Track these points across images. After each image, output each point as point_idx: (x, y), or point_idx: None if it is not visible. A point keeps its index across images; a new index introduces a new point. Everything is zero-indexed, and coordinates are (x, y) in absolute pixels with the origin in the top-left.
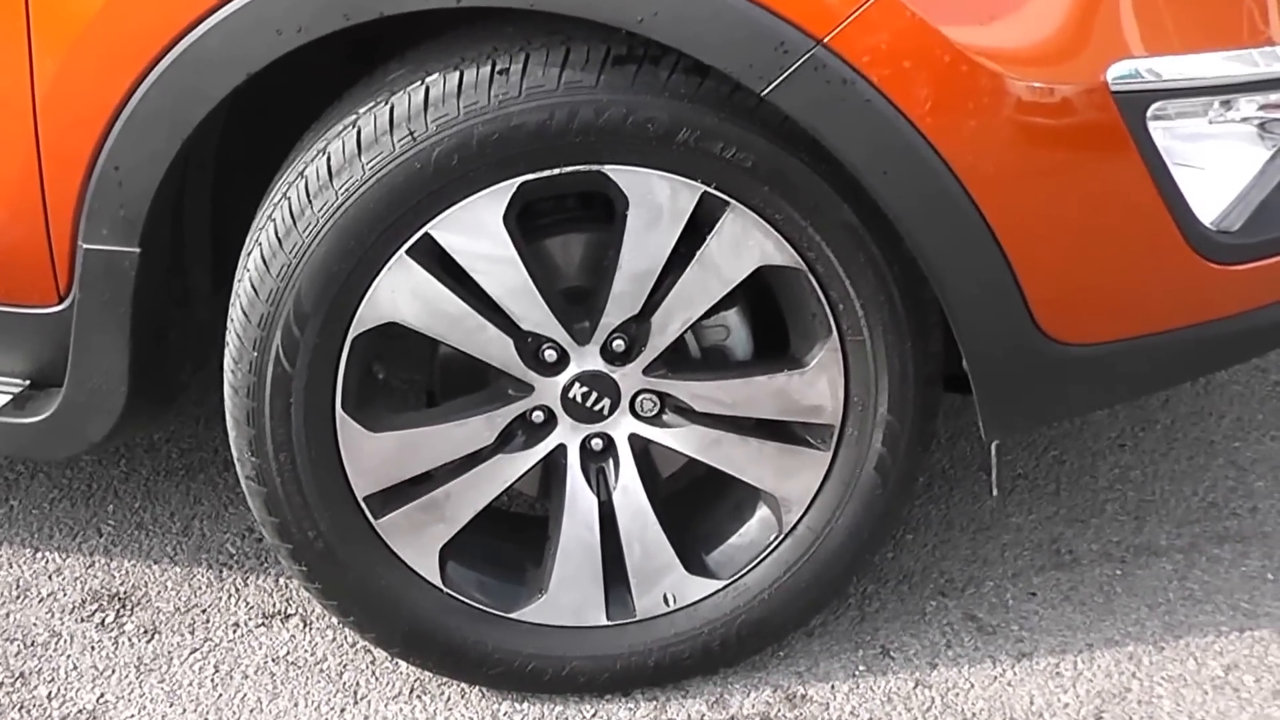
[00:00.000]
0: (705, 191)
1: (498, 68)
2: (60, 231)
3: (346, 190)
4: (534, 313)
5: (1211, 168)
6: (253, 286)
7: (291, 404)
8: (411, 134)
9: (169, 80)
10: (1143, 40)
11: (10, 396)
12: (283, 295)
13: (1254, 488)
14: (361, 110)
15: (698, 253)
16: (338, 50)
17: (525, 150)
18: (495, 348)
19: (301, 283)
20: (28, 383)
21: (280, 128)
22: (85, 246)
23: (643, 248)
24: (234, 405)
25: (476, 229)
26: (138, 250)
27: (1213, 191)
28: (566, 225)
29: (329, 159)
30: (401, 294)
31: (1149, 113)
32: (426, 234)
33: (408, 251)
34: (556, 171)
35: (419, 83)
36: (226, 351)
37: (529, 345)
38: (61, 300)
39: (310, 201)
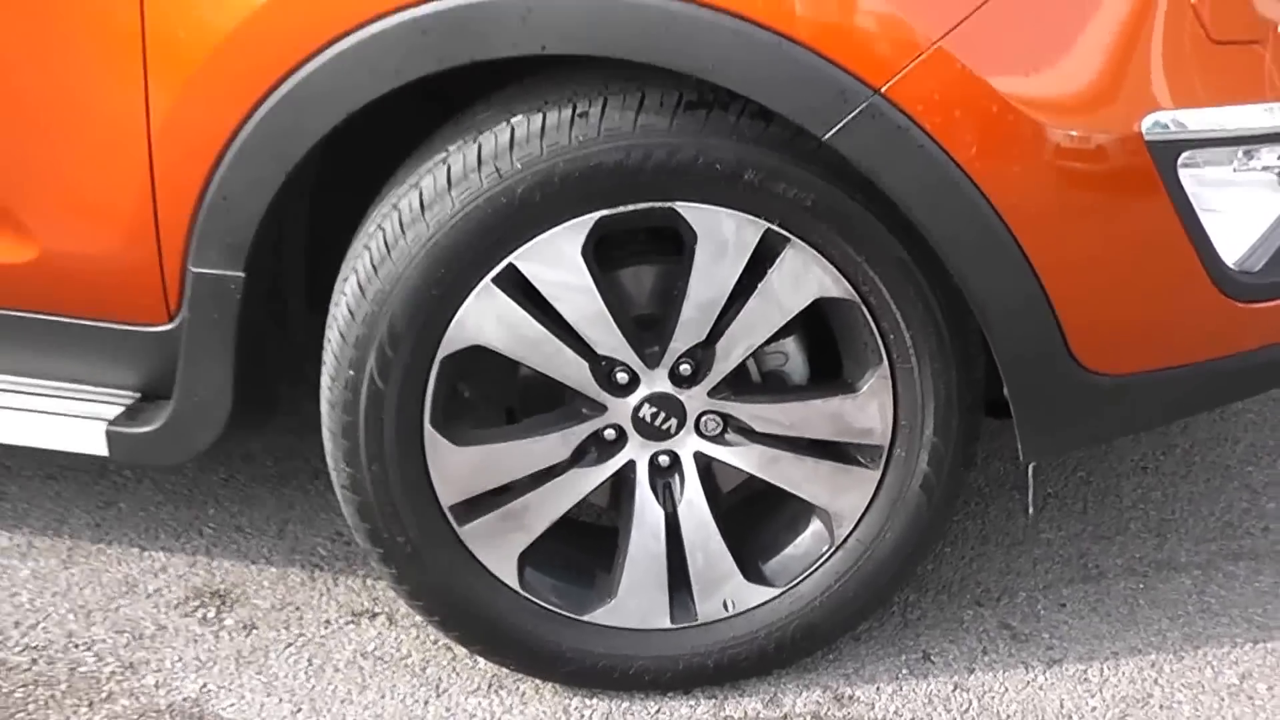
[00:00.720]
0: (768, 228)
1: (578, 111)
2: (171, 256)
3: (438, 222)
4: (608, 338)
5: (1235, 212)
6: (349, 310)
7: (384, 419)
8: (498, 171)
9: (274, 117)
10: (1172, 94)
11: (123, 408)
12: (377, 319)
13: (1266, 509)
14: (451, 148)
15: (760, 285)
16: (419, 90)
17: (603, 187)
18: (572, 370)
19: (394, 307)
20: (139, 395)
21: (364, 162)
22: (194, 270)
23: (709, 279)
24: (330, 420)
25: (557, 259)
26: (243, 274)
27: (1236, 234)
28: (639, 257)
29: (421, 193)
30: (486, 319)
31: (1179, 161)
32: (510, 264)
33: (493, 280)
34: (631, 208)
35: (505, 124)
36: (324, 370)
37: (603, 368)
38: (171, 320)
39: (403, 232)
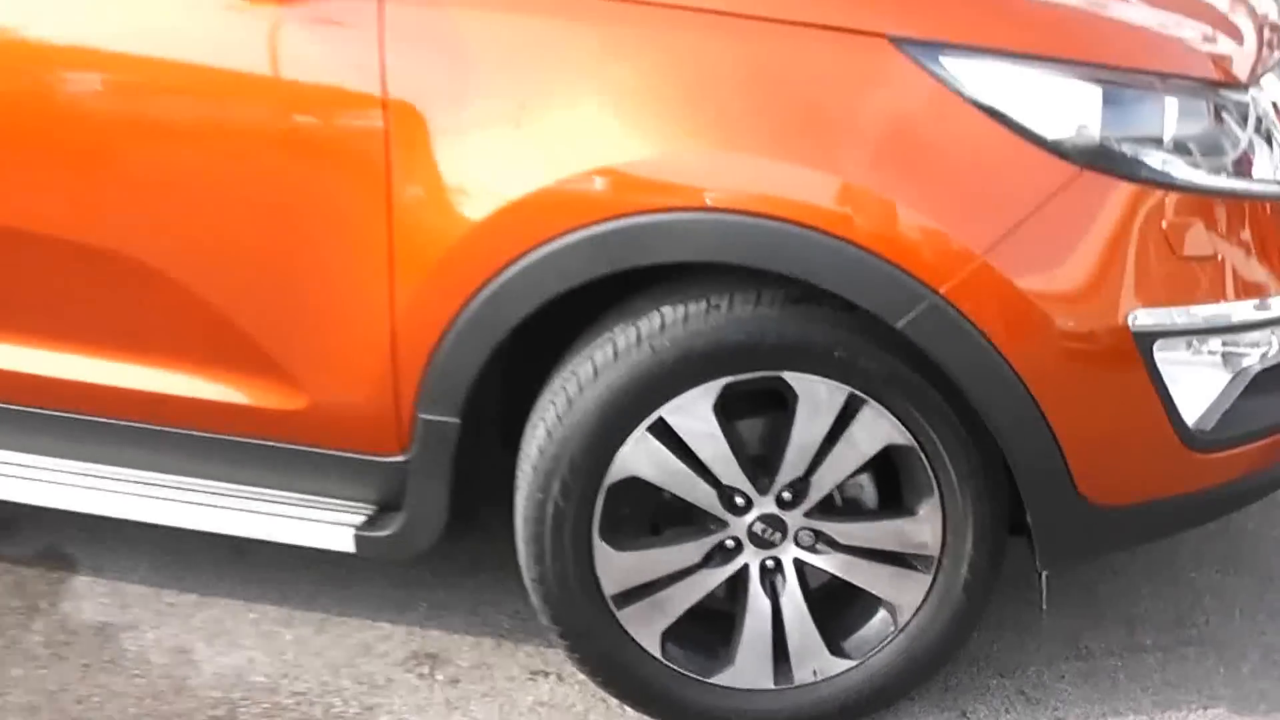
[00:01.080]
0: (851, 392)
1: (712, 303)
2: (405, 406)
3: (607, 385)
4: (731, 472)
5: (1193, 385)
6: (539, 449)
7: (563, 530)
8: (652, 347)
9: (486, 306)
10: (1151, 296)
11: (365, 517)
12: (560, 457)
13: (1207, 605)
14: (617, 329)
15: (844, 435)
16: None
17: (729, 361)
18: (703, 496)
19: (573, 449)
20: (376, 507)
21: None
22: (422, 417)
23: (807, 430)
24: (523, 529)
25: (694, 413)
26: (458, 421)
27: (1195, 401)
28: (754, 412)
29: (594, 362)
30: (641, 457)
31: (1155, 346)
32: (660, 416)
33: (647, 428)
34: (749, 375)
35: (656, 312)
36: (518, 492)
37: (726, 494)
38: (403, 452)
39: (581, 391)
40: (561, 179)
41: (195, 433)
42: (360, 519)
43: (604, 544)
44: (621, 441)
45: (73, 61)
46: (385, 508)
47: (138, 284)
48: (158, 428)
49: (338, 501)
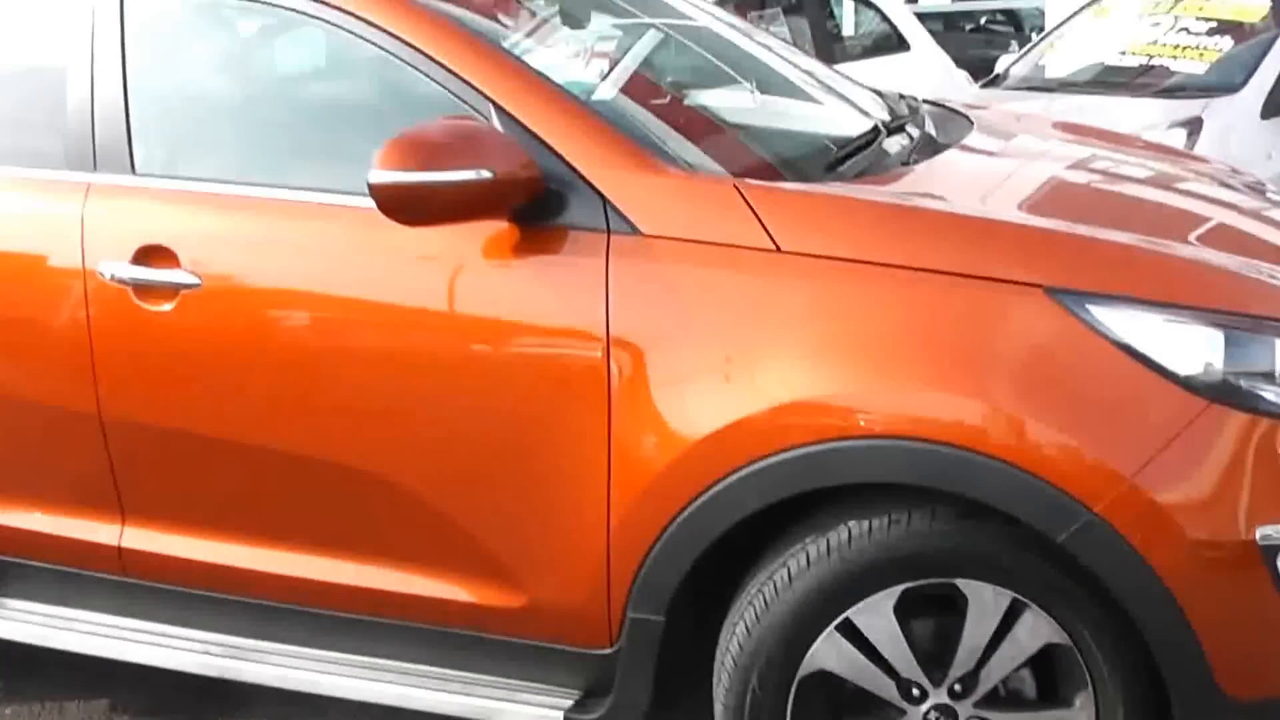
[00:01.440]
0: (1014, 597)
1: (893, 519)
2: (616, 606)
3: (801, 589)
4: (908, 666)
5: None
6: (740, 644)
7: (760, 717)
8: (841, 557)
9: (692, 519)
10: (1273, 513)
11: (574, 700)
12: (758, 653)
13: None
14: (808, 540)
15: (1009, 634)
16: None
17: (908, 569)
18: (884, 687)
19: (770, 646)
20: (583, 692)
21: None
22: (632, 615)
23: (976, 631)
24: (723, 716)
25: (877, 614)
26: (663, 619)
27: None
28: (929, 611)
29: (789, 570)
30: (830, 653)
31: (1278, 557)
32: (847, 617)
33: (835, 628)
34: (925, 581)
35: (844, 526)
36: (718, 682)
37: (904, 685)
38: (611, 645)
39: (777, 595)
40: (761, 411)
41: (419, 625)
42: (569, 703)
43: None
44: (813, 639)
45: (345, 310)
46: (589, 693)
47: (385, 499)
48: (387, 620)
49: (543, 686)
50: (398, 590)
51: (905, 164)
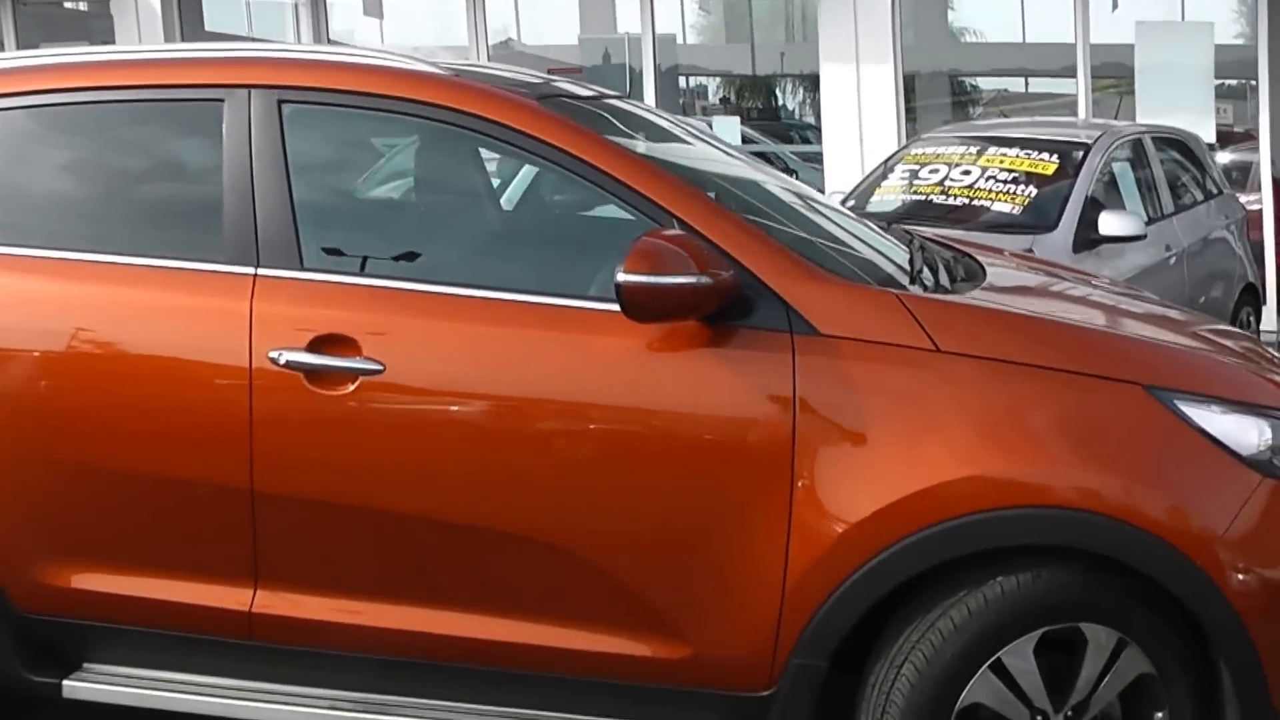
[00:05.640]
0: (1120, 636)
1: (1035, 574)
2: (781, 653)
3: (965, 636)
4: (1040, 697)
5: None
6: (909, 683)
7: None
8: (997, 608)
9: (861, 581)
10: None
11: None
12: (924, 690)
13: None
14: (963, 593)
15: (1113, 668)
16: None
17: (1047, 615)
18: (1020, 715)
19: (936, 685)
20: None
21: None
22: (795, 661)
23: (1092, 665)
24: None
25: (1020, 655)
26: (827, 664)
27: None
28: (1053, 652)
29: (952, 619)
30: (984, 688)
31: None
32: (998, 658)
33: (989, 667)
34: (1058, 626)
35: (994, 581)
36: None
37: (1035, 713)
38: (768, 689)
39: (945, 641)
40: (932, 485)
41: (582, 678)
42: None
43: None
44: (970, 677)
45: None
46: None
47: (560, 566)
48: (554, 675)
49: None
50: (561, 646)
51: (972, 285)
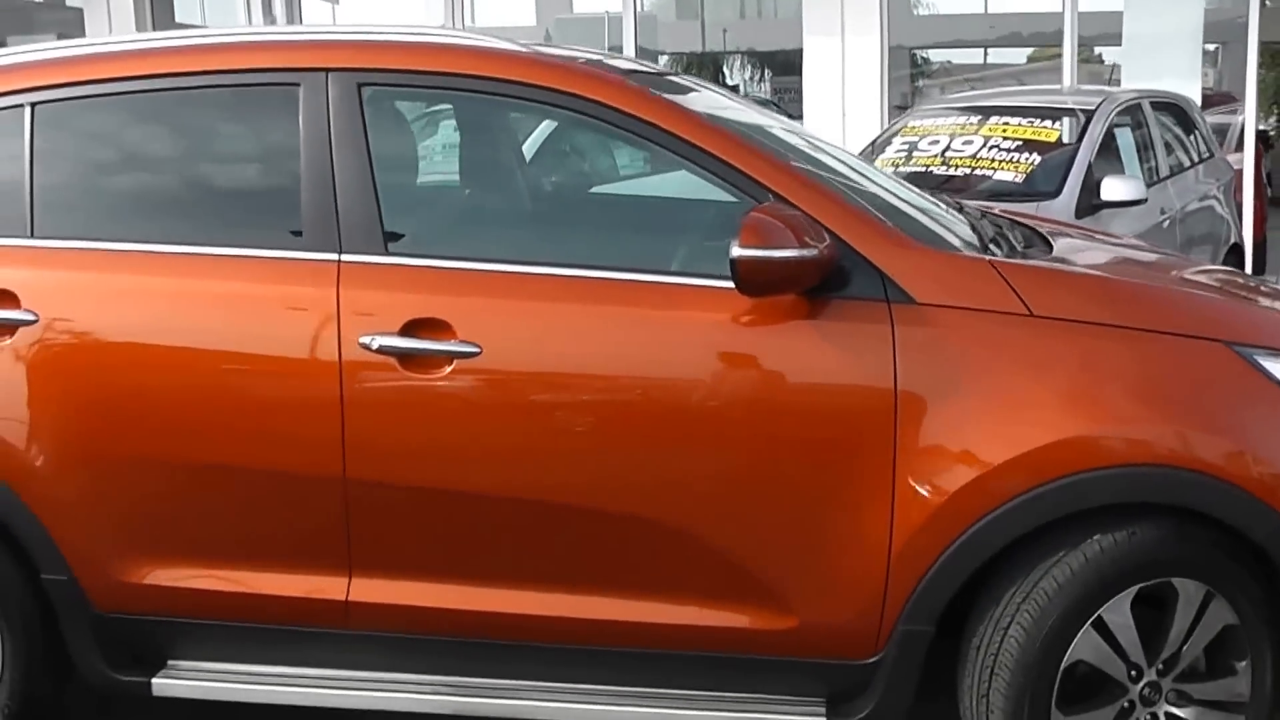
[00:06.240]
0: (1207, 589)
1: (1131, 532)
2: (888, 620)
3: (1067, 595)
4: (1135, 652)
5: None
6: (1018, 644)
7: (1035, 704)
8: (1098, 565)
9: (965, 546)
10: None
11: (823, 707)
12: (1032, 649)
13: None
14: (1062, 553)
15: (1202, 620)
16: None
17: (1144, 571)
18: (1118, 670)
19: (1044, 643)
20: (827, 699)
21: None
22: (903, 628)
23: (1183, 618)
24: (1004, 705)
25: (1118, 611)
26: (933, 629)
27: None
28: (1144, 608)
29: (1054, 578)
30: (1086, 645)
31: None
32: (1100, 615)
33: (1091, 624)
34: (1152, 581)
35: (1094, 540)
36: (983, 679)
37: (1130, 667)
38: (874, 655)
39: (1049, 599)
40: (1032, 448)
41: (686, 652)
42: (821, 710)
43: (1059, 712)
44: (1075, 635)
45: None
46: (835, 698)
47: (668, 541)
48: (657, 651)
49: (792, 697)
50: (662, 621)
51: (1044, 250)
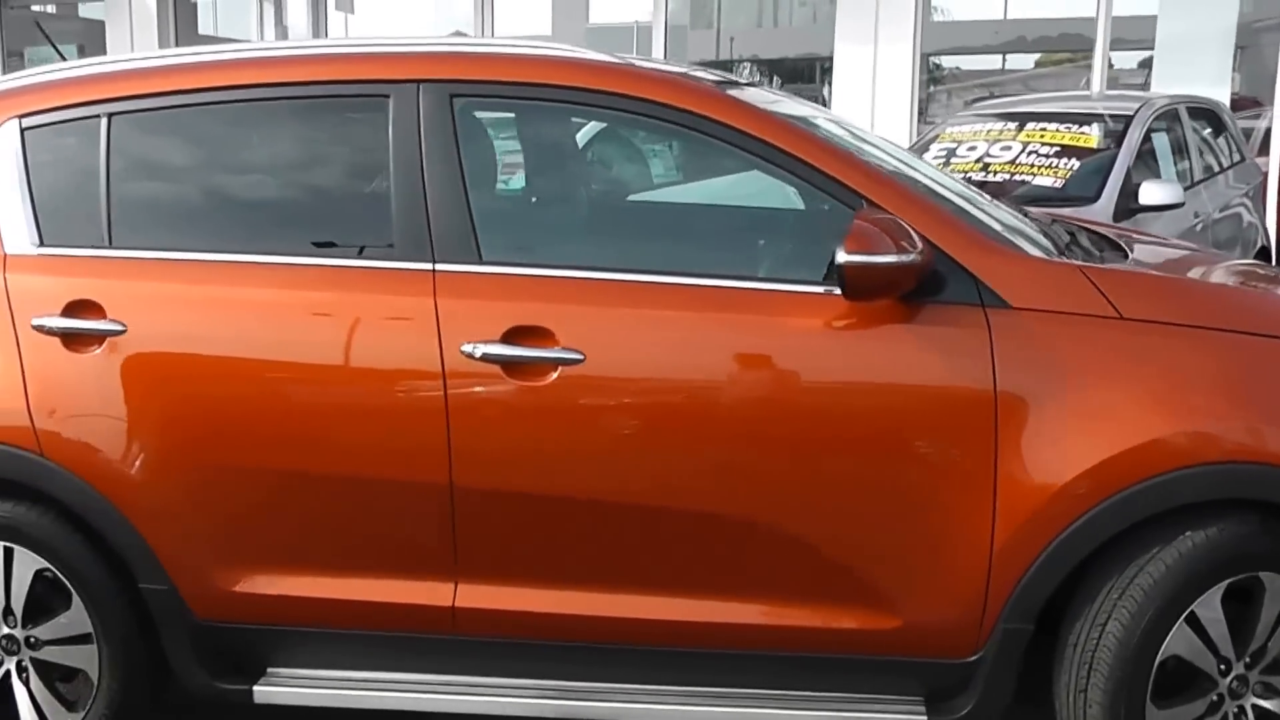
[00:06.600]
0: None
1: (1219, 528)
2: (989, 619)
3: (1160, 592)
4: (1225, 645)
5: None
6: (1116, 640)
7: (1131, 698)
8: (1188, 563)
9: (1065, 543)
10: None
11: (922, 705)
12: (1130, 645)
13: None
14: (1155, 550)
15: None
16: None
17: (1234, 566)
18: (1209, 664)
19: (1139, 639)
20: (925, 697)
21: None
22: (1004, 626)
23: (1269, 612)
24: (1102, 700)
25: (1210, 606)
26: (1032, 627)
27: None
28: (1231, 603)
29: (1150, 576)
30: (1180, 640)
31: None
32: (1192, 610)
33: (1184, 619)
34: (1241, 576)
35: (1186, 535)
36: (1081, 674)
37: (1221, 661)
38: (974, 655)
39: (1146, 596)
40: (1126, 448)
41: (788, 654)
42: (921, 709)
43: (1153, 706)
44: (1169, 629)
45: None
46: (934, 696)
47: (773, 545)
48: (760, 653)
49: (890, 697)
50: (767, 623)
51: (1121, 255)
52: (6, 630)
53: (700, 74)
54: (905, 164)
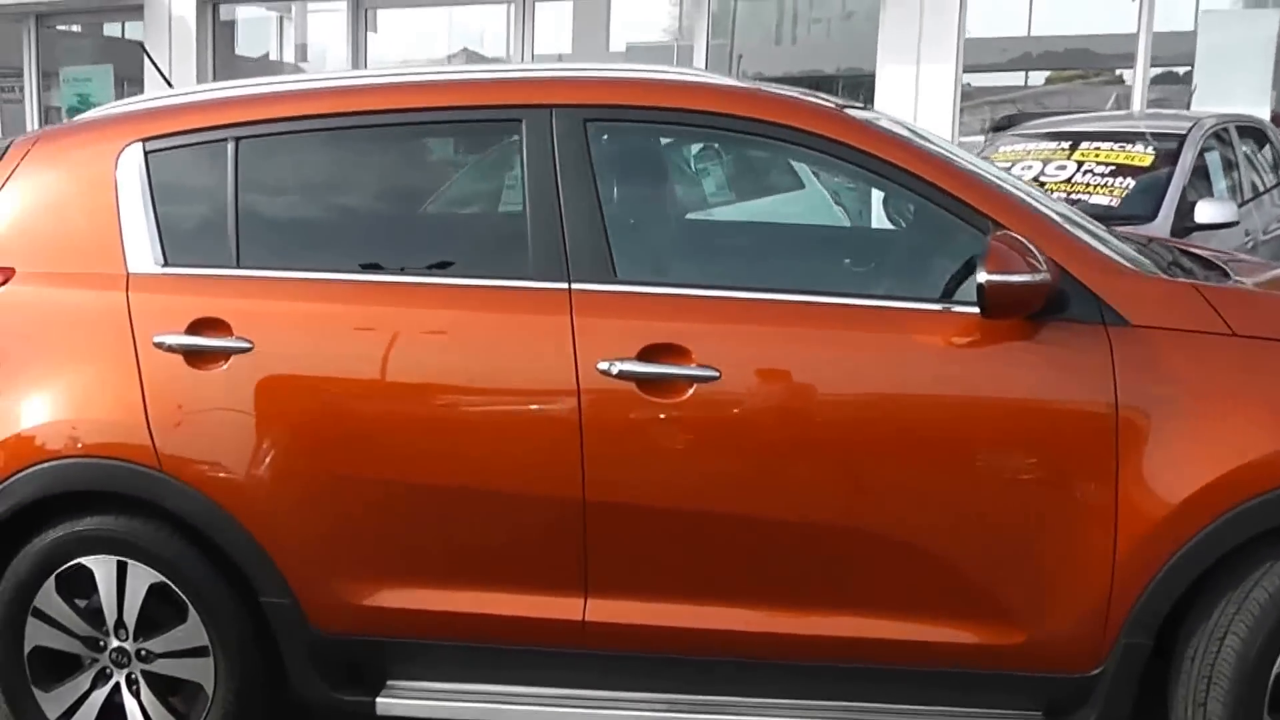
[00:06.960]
0: None
1: None
2: (1110, 633)
3: (1277, 606)
4: None
5: None
6: (1235, 654)
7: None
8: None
9: (1187, 556)
10: None
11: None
12: (1250, 656)
13: None
14: (1270, 564)
15: None
16: None
17: None
18: None
19: (1258, 652)
20: (1040, 711)
21: None
22: (1125, 641)
23: None
24: (1222, 710)
25: None
26: (1152, 643)
27: None
28: None
29: (1266, 590)
30: None
31: None
32: None
33: None
34: None
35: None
36: (1199, 687)
37: None
38: (1095, 669)
39: (1264, 609)
40: (1244, 462)
41: (911, 668)
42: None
43: (1269, 718)
44: None
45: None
46: (1051, 711)
47: (900, 561)
48: (882, 668)
49: (1005, 712)
50: (890, 638)
51: (1221, 273)
52: (117, 643)
53: (824, 98)
54: (1013, 185)
